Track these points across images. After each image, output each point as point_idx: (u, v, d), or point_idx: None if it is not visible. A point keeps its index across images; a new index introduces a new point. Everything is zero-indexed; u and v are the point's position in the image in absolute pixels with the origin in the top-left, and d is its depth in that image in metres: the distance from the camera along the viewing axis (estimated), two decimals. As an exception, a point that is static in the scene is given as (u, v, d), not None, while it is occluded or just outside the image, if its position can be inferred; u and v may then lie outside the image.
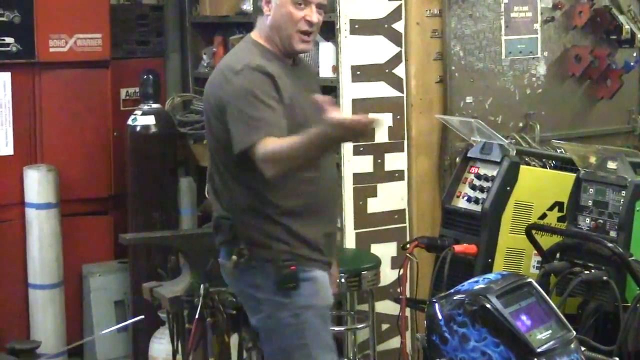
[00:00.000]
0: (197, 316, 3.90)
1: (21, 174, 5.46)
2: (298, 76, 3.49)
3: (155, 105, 5.49)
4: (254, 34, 3.50)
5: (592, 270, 3.59)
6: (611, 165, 3.74)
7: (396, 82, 4.90)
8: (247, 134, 3.25)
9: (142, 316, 4.96)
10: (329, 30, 4.87)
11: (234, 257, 3.43)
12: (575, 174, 3.84)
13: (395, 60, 4.89)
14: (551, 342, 2.54)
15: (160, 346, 5.13)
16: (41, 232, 5.47)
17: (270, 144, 3.18)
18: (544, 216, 4.01)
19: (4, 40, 5.35)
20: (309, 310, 3.41)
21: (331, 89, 4.75)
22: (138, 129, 5.46)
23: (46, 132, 5.57)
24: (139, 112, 5.49)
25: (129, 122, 5.50)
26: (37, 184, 5.44)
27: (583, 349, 2.71)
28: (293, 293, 3.39)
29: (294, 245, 3.42)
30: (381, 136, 4.87)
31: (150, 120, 5.44)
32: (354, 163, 4.83)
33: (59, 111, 5.58)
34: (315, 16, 3.39)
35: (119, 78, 5.81)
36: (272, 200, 3.40)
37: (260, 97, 3.28)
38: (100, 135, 5.71)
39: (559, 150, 4.39)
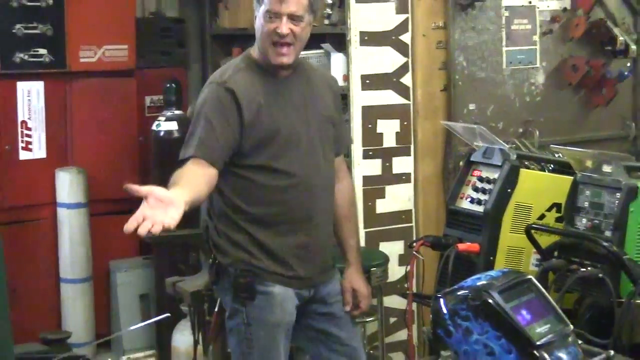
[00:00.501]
0: (216, 309, 3.89)
1: (53, 176, 5.48)
2: (289, 87, 3.34)
3: (177, 112, 5.48)
4: (252, 47, 3.39)
5: (588, 268, 3.55)
6: (606, 168, 3.70)
7: (403, 91, 4.88)
8: (184, 147, 3.21)
9: (169, 314, 4.94)
10: (340, 42, 4.87)
11: (209, 260, 3.39)
12: (572, 177, 3.81)
13: (403, 69, 4.87)
14: (550, 336, 2.51)
15: (183, 337, 5.12)
16: (71, 230, 5.48)
17: (177, 172, 3.09)
18: (542, 217, 3.98)
19: (37, 51, 5.36)
20: (259, 324, 3.31)
21: (342, 97, 4.73)
22: (162, 133, 5.46)
23: (76, 137, 5.58)
24: (162, 118, 5.50)
25: (153, 127, 5.50)
26: (67, 185, 5.45)
27: (580, 342, 2.68)
28: (247, 303, 3.30)
29: (255, 255, 3.30)
30: (389, 141, 4.86)
31: (173, 125, 5.43)
32: (363, 166, 4.81)
33: (88, 117, 5.60)
34: (284, 28, 3.20)
35: (144, 86, 5.82)
36: (240, 206, 3.30)
37: (207, 115, 3.21)
38: (127, 139, 5.72)
39: (557, 155, 4.36)
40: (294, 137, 3.31)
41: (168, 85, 5.54)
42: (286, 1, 3.20)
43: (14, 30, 5.27)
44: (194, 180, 3.04)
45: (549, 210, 3.99)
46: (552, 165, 4.23)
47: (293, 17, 3.22)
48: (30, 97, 5.42)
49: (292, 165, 3.30)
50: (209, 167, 3.16)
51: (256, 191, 3.29)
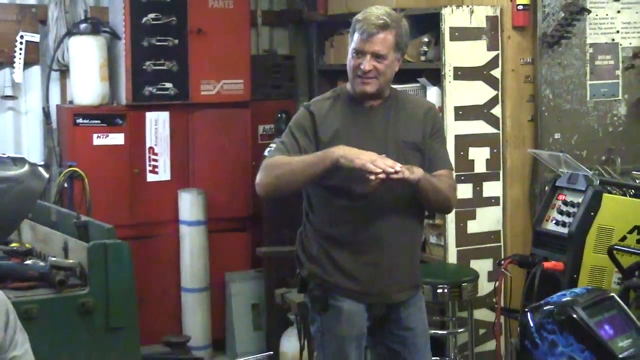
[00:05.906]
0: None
1: (176, 196, 5.60)
2: (372, 116, 3.26)
3: (287, 140, 5.54)
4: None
5: (668, 287, 3.48)
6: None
7: (493, 121, 4.86)
8: (272, 152, 3.29)
9: (271, 352, 4.95)
10: (435, 76, 4.87)
11: (297, 271, 3.38)
12: (652, 202, 3.74)
13: (493, 102, 4.85)
14: (631, 350, 2.47)
15: (290, 343, 5.17)
16: (192, 244, 5.58)
17: (274, 157, 3.18)
18: (624, 238, 3.91)
19: (164, 85, 5.50)
20: (330, 334, 3.26)
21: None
22: (273, 159, 5.52)
23: (197, 161, 5.69)
24: (273, 145, 5.55)
25: (265, 153, 5.55)
26: (189, 204, 5.56)
27: (660, 357, 2.62)
28: (322, 313, 3.26)
29: (327, 270, 3.23)
30: (480, 167, 4.84)
31: (283, 152, 5.49)
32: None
33: (208, 144, 5.71)
34: (367, 65, 3.17)
35: (257, 116, 5.91)
36: (315, 223, 3.27)
37: (292, 129, 3.27)
38: (241, 164, 5.81)
39: (637, 181, 4.28)
40: None
41: (279, 115, 5.62)
42: (371, 41, 3.17)
43: (144, 67, 5.43)
44: None
45: (630, 232, 3.92)
46: (633, 191, 4.15)
47: (377, 55, 3.18)
48: (157, 125, 5.56)
49: (359, 186, 3.14)
50: None
51: (326, 209, 3.25)
